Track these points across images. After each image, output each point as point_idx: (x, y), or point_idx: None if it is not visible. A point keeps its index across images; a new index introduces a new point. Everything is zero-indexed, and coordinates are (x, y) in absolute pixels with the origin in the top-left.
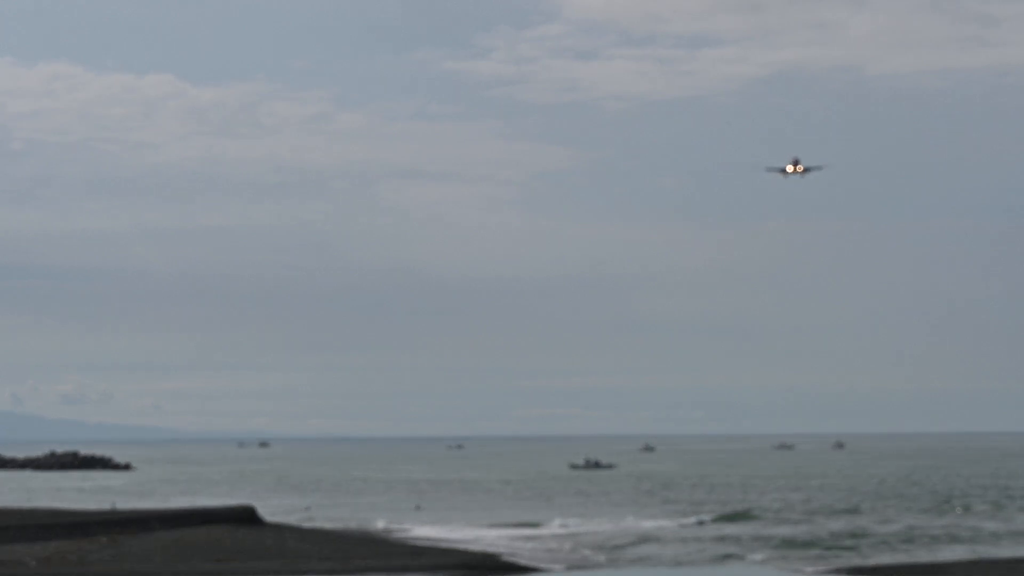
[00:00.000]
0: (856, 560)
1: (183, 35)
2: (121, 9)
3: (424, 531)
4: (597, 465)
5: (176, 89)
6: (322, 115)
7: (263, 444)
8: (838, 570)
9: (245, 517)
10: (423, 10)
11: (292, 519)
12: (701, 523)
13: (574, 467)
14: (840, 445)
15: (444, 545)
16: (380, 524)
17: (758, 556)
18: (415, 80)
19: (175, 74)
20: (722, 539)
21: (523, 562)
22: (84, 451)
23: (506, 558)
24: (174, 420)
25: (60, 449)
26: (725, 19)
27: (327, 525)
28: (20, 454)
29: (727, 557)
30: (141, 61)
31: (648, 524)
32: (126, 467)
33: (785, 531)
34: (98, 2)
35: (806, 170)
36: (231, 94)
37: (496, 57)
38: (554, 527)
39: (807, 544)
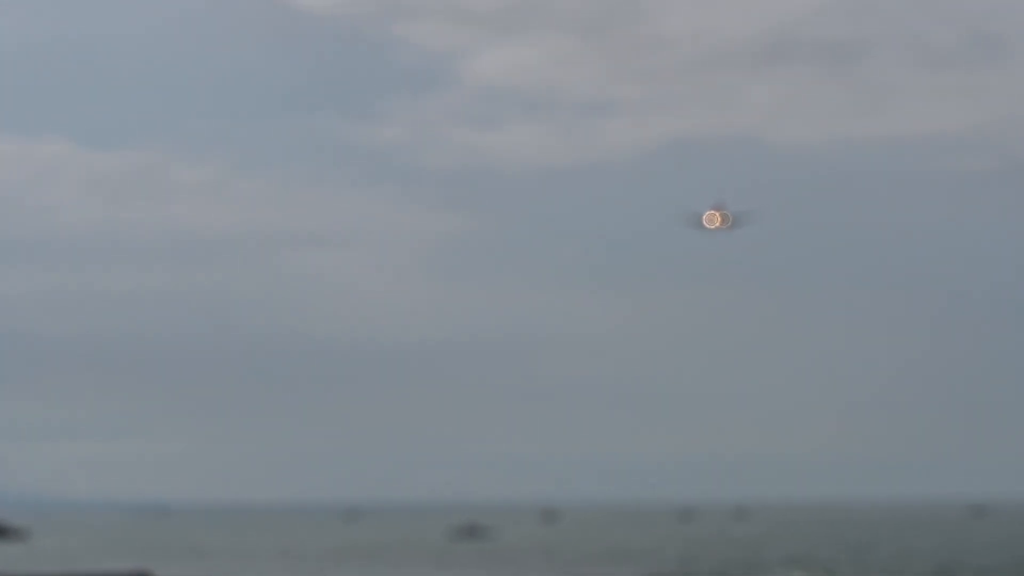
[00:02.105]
0: None
1: (78, 99)
2: (13, 73)
3: None
4: (477, 532)
5: (71, 154)
6: (219, 181)
7: (161, 511)
8: None
9: None
10: (320, 75)
11: None
12: None
13: (452, 533)
14: (742, 513)
15: None
16: None
17: None
18: (313, 145)
19: (70, 139)
20: None
21: None
22: None
23: None
24: (70, 487)
25: None
26: (625, 87)
27: None
28: None
29: None
30: (35, 125)
31: None
32: (21, 535)
33: None
34: None
35: (733, 221)
36: (127, 159)
37: (395, 123)
38: None
39: None
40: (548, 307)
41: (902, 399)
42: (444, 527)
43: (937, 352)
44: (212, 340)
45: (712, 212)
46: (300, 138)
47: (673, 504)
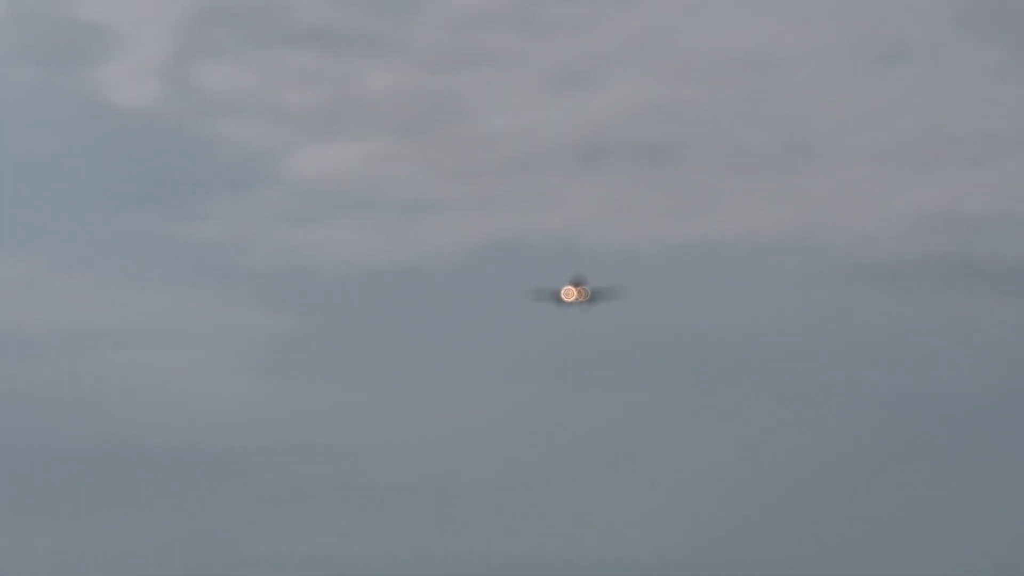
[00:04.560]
0: None
1: None
2: None
3: None
4: None
5: None
6: (36, 278)
7: None
8: None
9: None
10: (139, 171)
11: None
12: None
13: None
14: None
15: None
16: None
17: None
18: (132, 243)
19: None
20: None
21: None
22: None
23: None
24: None
25: None
26: (445, 186)
27: None
28: None
29: None
30: None
31: None
32: None
33: None
34: None
35: (592, 296)
36: None
37: (214, 221)
38: None
39: None
40: (369, 406)
41: (738, 500)
42: None
43: (773, 452)
44: (28, 441)
45: (569, 287)
46: (119, 235)
47: None
